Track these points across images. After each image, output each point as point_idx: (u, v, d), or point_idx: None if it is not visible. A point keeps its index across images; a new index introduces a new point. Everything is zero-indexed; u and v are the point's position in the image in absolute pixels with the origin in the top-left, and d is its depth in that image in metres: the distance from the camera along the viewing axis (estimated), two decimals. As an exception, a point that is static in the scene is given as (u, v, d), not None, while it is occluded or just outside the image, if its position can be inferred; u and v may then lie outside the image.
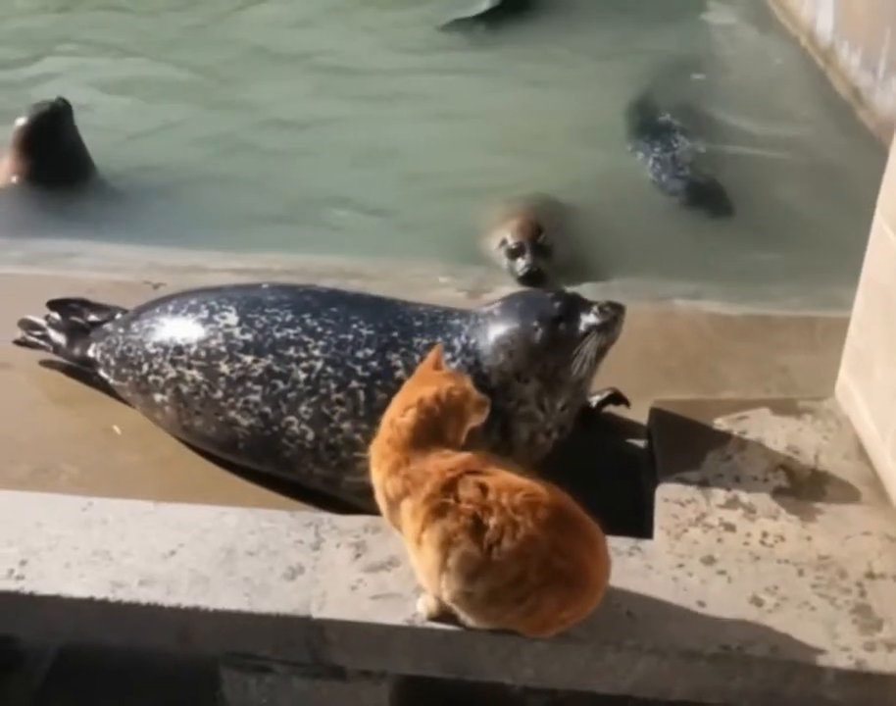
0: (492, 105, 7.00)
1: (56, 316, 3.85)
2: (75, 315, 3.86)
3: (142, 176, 6.02)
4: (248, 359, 3.21)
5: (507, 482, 2.26)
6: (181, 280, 4.33)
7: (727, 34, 8.14)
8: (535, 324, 2.99)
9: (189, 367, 3.30)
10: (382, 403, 2.85)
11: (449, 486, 2.26)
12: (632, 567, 2.55)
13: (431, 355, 2.52)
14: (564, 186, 5.70)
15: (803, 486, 3.05)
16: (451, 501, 2.24)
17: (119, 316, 3.75)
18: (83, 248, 5.04)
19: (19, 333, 3.89)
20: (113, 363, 3.56)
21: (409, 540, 2.34)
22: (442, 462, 2.30)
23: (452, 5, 8.69)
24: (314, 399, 3.11)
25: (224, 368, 3.23)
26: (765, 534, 2.88)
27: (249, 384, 3.20)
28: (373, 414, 2.97)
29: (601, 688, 2.45)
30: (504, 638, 2.38)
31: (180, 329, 3.36)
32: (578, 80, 7.19)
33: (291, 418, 3.14)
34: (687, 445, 3.21)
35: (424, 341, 3.09)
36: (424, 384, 2.42)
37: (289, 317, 3.24)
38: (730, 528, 2.90)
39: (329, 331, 3.18)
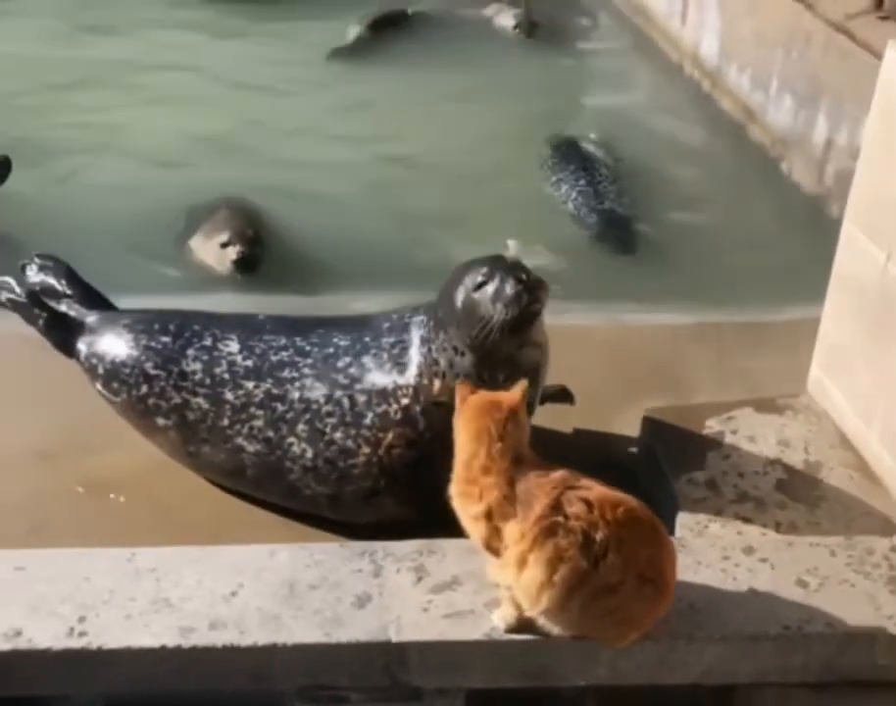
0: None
1: (35, 278, 3.68)
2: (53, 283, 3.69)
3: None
4: (250, 385, 3.24)
5: (605, 496, 2.37)
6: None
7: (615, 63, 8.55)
8: (457, 291, 3.03)
9: (195, 394, 3.29)
10: (364, 405, 3.05)
11: (556, 506, 2.34)
12: (683, 563, 2.68)
13: (459, 389, 2.58)
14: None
15: (799, 477, 3.27)
16: (560, 519, 2.33)
17: (99, 313, 3.58)
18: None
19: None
20: (102, 371, 3.44)
21: (509, 561, 2.40)
22: (543, 481, 2.39)
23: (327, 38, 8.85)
24: (307, 416, 3.16)
25: (229, 395, 3.25)
26: (778, 524, 3.07)
27: (252, 410, 3.23)
28: (358, 418, 3.09)
29: (672, 680, 2.57)
30: (580, 644, 2.47)
31: (184, 354, 3.34)
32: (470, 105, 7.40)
33: (291, 438, 3.18)
34: (687, 448, 3.39)
35: (392, 339, 3.16)
36: (480, 414, 2.49)
37: (283, 341, 3.30)
38: (747, 520, 3.09)
39: (315, 349, 3.24)
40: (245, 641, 2.47)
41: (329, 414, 3.11)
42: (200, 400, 3.29)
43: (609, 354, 4.19)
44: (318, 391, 3.15)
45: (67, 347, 3.54)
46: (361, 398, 3.09)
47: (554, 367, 3.25)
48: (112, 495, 3.50)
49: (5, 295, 3.62)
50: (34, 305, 3.57)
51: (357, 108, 7.68)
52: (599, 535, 2.33)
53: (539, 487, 2.38)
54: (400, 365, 3.06)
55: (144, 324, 3.48)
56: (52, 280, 3.68)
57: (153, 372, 3.36)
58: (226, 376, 3.27)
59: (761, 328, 4.52)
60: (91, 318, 3.56)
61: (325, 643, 2.48)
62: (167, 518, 3.37)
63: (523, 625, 2.47)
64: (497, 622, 2.51)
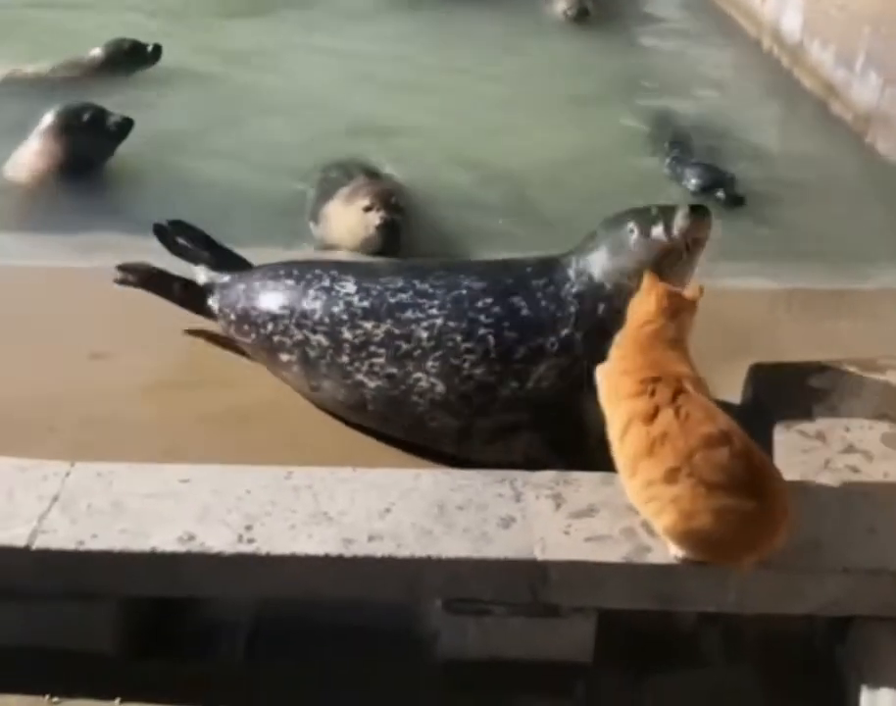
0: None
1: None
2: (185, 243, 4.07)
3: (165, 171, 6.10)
4: (368, 325, 3.43)
5: (704, 404, 2.62)
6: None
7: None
8: (630, 226, 3.24)
9: (314, 331, 3.51)
10: (514, 342, 3.22)
11: (656, 379, 2.65)
12: (803, 502, 2.84)
13: (647, 277, 2.89)
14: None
15: (905, 431, 3.41)
16: (649, 389, 2.62)
17: (230, 273, 3.90)
18: (126, 241, 5.07)
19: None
20: (234, 317, 3.75)
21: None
22: (676, 365, 2.70)
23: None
24: (439, 353, 3.33)
25: (347, 334, 3.45)
26: (886, 474, 3.22)
27: (372, 348, 3.41)
28: (505, 354, 3.26)
29: (794, 610, 2.74)
30: (713, 569, 2.65)
31: (305, 295, 3.58)
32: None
33: (419, 374, 3.35)
34: (795, 401, 3.53)
35: (541, 282, 3.35)
36: (669, 293, 2.80)
37: (400, 283, 3.48)
38: (855, 470, 3.23)
39: (440, 291, 3.42)
40: (402, 553, 2.66)
41: (469, 351, 3.28)
42: (320, 337, 3.50)
43: (703, 319, 4.34)
44: (452, 331, 3.32)
45: (205, 311, 3.89)
46: (511, 335, 3.26)
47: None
48: (240, 423, 3.70)
49: (132, 277, 4.00)
50: (166, 282, 3.96)
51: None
52: (665, 419, 2.58)
53: (665, 364, 2.69)
54: (558, 299, 3.24)
55: (271, 270, 3.74)
56: (188, 245, 4.02)
57: (277, 311, 3.60)
58: (344, 316, 3.47)
59: (850, 295, 4.66)
60: (223, 278, 3.86)
61: (476, 558, 2.66)
62: (293, 445, 3.57)
63: None
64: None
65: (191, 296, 3.94)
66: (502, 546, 2.69)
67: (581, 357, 3.21)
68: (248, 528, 2.72)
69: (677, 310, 2.79)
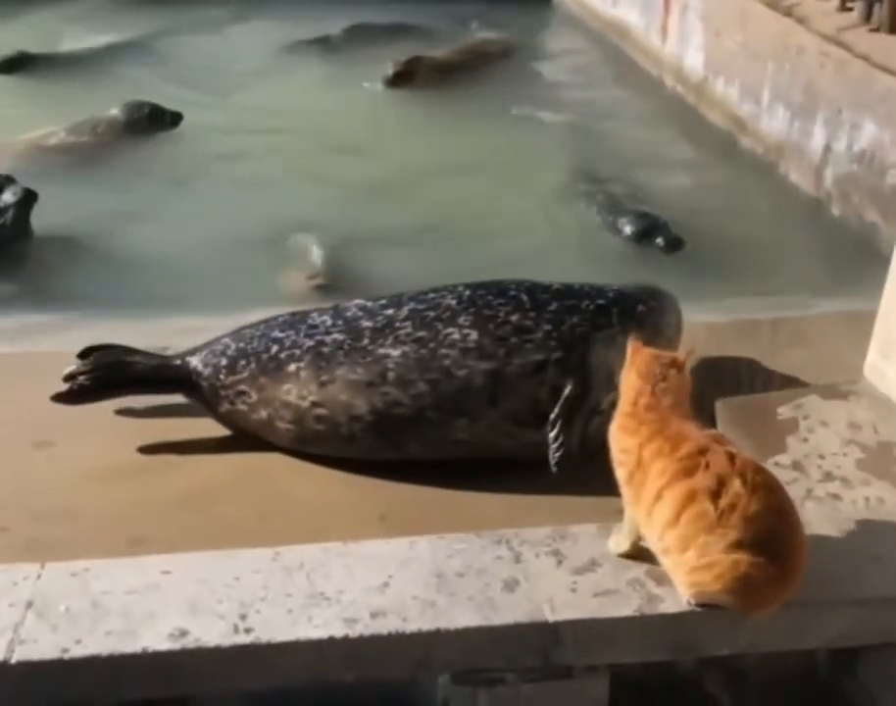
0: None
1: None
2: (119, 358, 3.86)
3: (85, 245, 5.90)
4: (390, 311, 3.47)
5: (750, 460, 2.52)
6: (186, 342, 4.27)
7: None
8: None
9: (328, 334, 3.49)
10: (545, 301, 3.42)
11: (701, 451, 2.54)
12: (804, 536, 2.83)
13: (631, 342, 2.82)
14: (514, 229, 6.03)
15: (875, 455, 3.46)
16: (701, 461, 2.51)
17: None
18: (62, 321, 4.89)
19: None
20: (224, 363, 3.61)
21: (646, 497, 2.59)
22: (696, 430, 2.60)
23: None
24: (472, 309, 3.42)
25: (367, 323, 3.47)
26: (867, 499, 3.25)
27: (397, 324, 3.43)
28: (539, 306, 3.42)
29: (805, 645, 2.72)
30: (726, 613, 2.60)
31: (308, 317, 3.60)
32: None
33: (450, 329, 3.39)
34: (767, 434, 3.55)
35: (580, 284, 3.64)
36: (651, 359, 2.73)
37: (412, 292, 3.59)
38: (837, 497, 3.26)
39: (460, 286, 3.55)
40: (409, 628, 2.55)
41: (503, 304, 3.41)
42: (335, 335, 3.49)
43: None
44: (484, 294, 3.46)
45: (177, 382, 3.73)
46: (544, 296, 3.47)
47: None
48: (202, 505, 3.54)
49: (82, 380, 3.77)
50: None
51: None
52: (732, 489, 2.49)
53: (691, 433, 2.59)
54: (597, 288, 3.62)
55: (255, 325, 3.72)
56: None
57: (281, 335, 3.57)
58: (360, 313, 3.51)
59: (793, 323, 4.73)
60: (200, 347, 3.74)
61: (487, 626, 2.57)
62: (262, 519, 3.42)
63: (632, 556, 2.71)
64: (610, 545, 2.73)
65: (162, 379, 3.77)
66: (511, 611, 2.61)
67: (615, 326, 3.43)
68: (243, 616, 2.58)
69: (665, 373, 2.71)
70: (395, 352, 3.37)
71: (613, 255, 5.81)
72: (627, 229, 5.96)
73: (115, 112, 7.43)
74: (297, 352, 3.48)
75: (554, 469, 3.35)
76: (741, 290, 5.30)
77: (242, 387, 3.57)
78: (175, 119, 7.52)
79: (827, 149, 6.08)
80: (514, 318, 3.37)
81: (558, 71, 9.35)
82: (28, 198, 5.66)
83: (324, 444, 3.52)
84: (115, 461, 3.71)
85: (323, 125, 7.82)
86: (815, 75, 6.19)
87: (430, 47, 9.33)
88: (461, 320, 3.38)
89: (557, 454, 3.35)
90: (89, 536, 3.24)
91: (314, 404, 3.46)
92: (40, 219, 5.90)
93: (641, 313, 3.55)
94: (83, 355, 3.82)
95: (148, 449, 3.76)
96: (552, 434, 3.35)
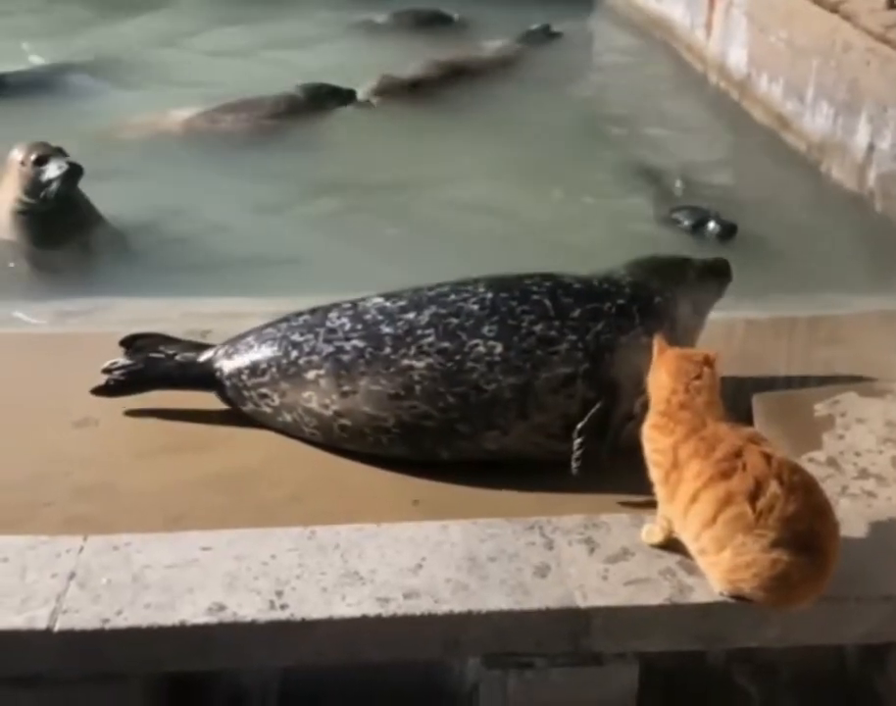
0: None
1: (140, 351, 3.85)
2: (155, 350, 3.85)
3: (151, 228, 5.98)
4: (410, 315, 3.40)
5: (786, 460, 2.53)
6: (227, 327, 4.32)
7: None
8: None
9: (347, 339, 3.43)
10: (567, 306, 3.34)
11: (738, 452, 2.54)
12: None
13: (656, 342, 2.83)
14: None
15: (913, 454, 3.44)
16: (739, 464, 2.51)
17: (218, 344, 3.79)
18: (108, 303, 4.97)
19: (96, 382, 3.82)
20: (247, 364, 3.59)
21: (682, 497, 2.59)
22: (731, 430, 2.60)
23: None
24: (495, 318, 3.35)
25: (388, 329, 3.40)
26: (902, 497, 3.24)
27: (419, 332, 3.36)
28: (563, 313, 3.35)
29: (836, 640, 2.73)
30: (755, 604, 2.61)
31: (326, 319, 3.52)
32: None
33: (475, 341, 3.33)
34: (802, 430, 3.55)
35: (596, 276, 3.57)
36: (681, 357, 2.74)
37: (432, 285, 3.53)
38: (871, 495, 3.25)
39: (482, 280, 3.49)
40: (441, 609, 2.59)
41: (526, 312, 3.34)
42: (355, 342, 3.42)
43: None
44: (505, 299, 3.37)
45: (203, 380, 3.72)
46: (566, 300, 3.38)
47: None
48: (239, 485, 3.58)
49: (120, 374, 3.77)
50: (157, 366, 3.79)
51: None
52: (769, 490, 2.49)
53: (727, 434, 2.58)
54: (614, 283, 3.52)
55: (277, 323, 3.66)
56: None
57: (300, 339, 3.52)
58: (380, 316, 3.43)
59: (831, 321, 4.71)
60: (224, 345, 3.73)
61: (518, 610, 2.60)
62: (297, 506, 3.47)
63: (666, 544, 2.72)
64: (643, 535, 2.75)
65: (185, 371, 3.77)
66: (542, 596, 2.63)
67: (638, 326, 3.37)
68: (279, 593, 2.63)
69: (698, 370, 2.72)
70: (420, 364, 3.31)
71: (668, 246, 5.80)
72: (684, 222, 6.04)
73: (294, 91, 7.85)
74: (316, 358, 3.43)
75: (574, 472, 3.29)
76: (782, 287, 5.28)
77: (265, 390, 3.56)
78: (350, 95, 7.87)
79: (871, 147, 6.04)
80: (538, 328, 3.31)
81: (601, 64, 9.34)
82: (73, 172, 5.54)
83: (353, 446, 3.53)
84: (153, 441, 3.78)
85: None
86: (860, 72, 6.15)
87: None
88: (485, 330, 3.31)
89: (577, 463, 3.28)
90: (127, 514, 3.29)
91: (337, 414, 3.43)
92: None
93: (659, 305, 3.49)
94: (125, 343, 3.87)
95: (186, 430, 3.82)
96: (576, 443, 3.28)
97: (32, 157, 5.50)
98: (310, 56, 9.16)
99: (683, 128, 7.59)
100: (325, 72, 8.40)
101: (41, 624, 2.51)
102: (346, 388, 3.39)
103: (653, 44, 9.37)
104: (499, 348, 3.29)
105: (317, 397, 3.45)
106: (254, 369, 3.57)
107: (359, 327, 3.42)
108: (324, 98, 7.88)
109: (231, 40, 9.79)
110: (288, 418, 3.56)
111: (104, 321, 4.78)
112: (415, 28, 9.76)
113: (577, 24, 10.01)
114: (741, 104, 7.60)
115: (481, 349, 3.29)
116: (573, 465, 3.28)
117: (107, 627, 2.52)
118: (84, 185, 5.69)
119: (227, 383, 3.67)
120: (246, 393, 3.62)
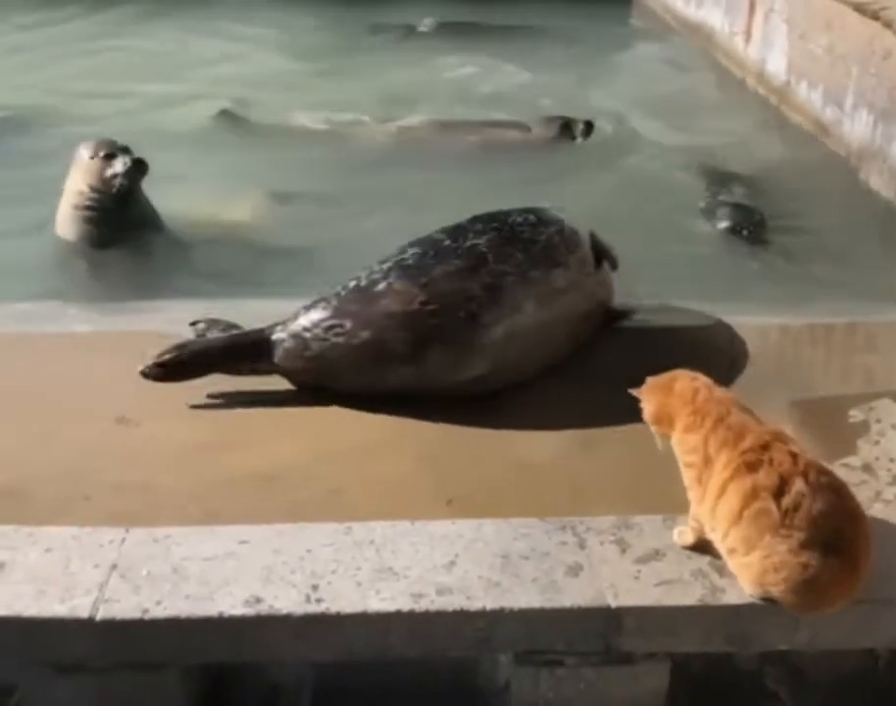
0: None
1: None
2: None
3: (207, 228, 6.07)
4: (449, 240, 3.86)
5: (814, 461, 2.54)
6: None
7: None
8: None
9: (403, 254, 3.81)
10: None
11: (765, 446, 2.55)
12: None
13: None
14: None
15: (947, 461, 3.43)
16: (765, 458, 2.52)
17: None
18: (157, 305, 5.03)
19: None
20: (307, 316, 3.77)
21: (711, 494, 2.61)
22: (759, 424, 2.62)
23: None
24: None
25: (438, 236, 3.87)
26: (937, 504, 3.23)
27: (469, 232, 3.85)
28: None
29: (865, 644, 2.73)
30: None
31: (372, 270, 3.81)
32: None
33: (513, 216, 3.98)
34: (837, 435, 3.55)
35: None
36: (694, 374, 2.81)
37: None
38: (906, 501, 3.24)
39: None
40: (474, 606, 2.62)
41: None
42: (413, 250, 3.81)
43: (734, 351, 4.35)
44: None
45: (260, 345, 3.87)
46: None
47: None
48: (276, 483, 3.64)
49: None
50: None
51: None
52: (795, 488, 2.50)
53: (755, 426, 2.61)
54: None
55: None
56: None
57: (355, 278, 3.80)
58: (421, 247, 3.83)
59: (868, 328, 4.69)
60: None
61: (549, 608, 2.63)
62: (333, 503, 3.51)
63: (698, 545, 2.74)
64: (675, 536, 2.78)
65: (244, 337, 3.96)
66: (574, 595, 2.66)
67: None
68: (315, 587, 2.68)
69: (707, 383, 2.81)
70: (481, 240, 3.75)
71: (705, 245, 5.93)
72: (724, 221, 6.13)
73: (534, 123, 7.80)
74: (379, 275, 3.72)
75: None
76: (818, 293, 5.27)
77: (331, 323, 3.72)
78: (588, 129, 7.68)
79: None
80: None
81: (640, 69, 9.34)
82: (138, 168, 5.66)
83: (445, 321, 3.70)
84: (192, 438, 3.84)
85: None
86: (900, 79, 6.12)
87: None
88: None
89: None
90: (166, 509, 3.34)
91: (423, 303, 3.64)
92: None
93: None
94: (194, 323, 4.14)
95: (225, 428, 3.88)
96: None
97: (102, 152, 5.66)
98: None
99: (721, 133, 7.58)
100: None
101: (83, 613, 2.58)
102: (423, 280, 3.66)
103: (690, 51, 9.36)
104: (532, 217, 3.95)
105: (397, 299, 3.65)
106: (315, 313, 3.76)
107: (415, 248, 3.80)
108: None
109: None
110: (366, 334, 3.68)
111: (151, 320, 4.86)
112: None
113: (615, 28, 10.02)
114: (780, 110, 7.57)
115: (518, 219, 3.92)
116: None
117: (146, 617, 2.57)
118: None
119: (287, 338, 3.80)
120: (309, 336, 3.75)
